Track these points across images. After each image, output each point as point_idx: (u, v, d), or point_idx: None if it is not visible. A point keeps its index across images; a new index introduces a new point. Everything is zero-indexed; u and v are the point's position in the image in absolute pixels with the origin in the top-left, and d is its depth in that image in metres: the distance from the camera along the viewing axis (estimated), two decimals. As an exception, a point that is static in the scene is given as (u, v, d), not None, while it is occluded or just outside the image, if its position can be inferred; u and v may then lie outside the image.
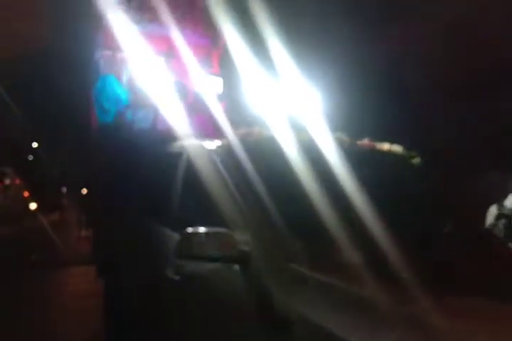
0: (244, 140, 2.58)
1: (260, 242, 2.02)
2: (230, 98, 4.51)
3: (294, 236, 2.07)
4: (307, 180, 2.38)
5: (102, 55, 4.93)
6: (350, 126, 3.08)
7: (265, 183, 2.29)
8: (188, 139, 3.36)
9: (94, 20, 4.64)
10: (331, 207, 2.22)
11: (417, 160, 2.86)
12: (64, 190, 17.24)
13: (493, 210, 4.55)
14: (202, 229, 2.01)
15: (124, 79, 4.82)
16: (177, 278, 2.53)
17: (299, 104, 3.71)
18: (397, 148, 2.85)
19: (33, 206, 13.46)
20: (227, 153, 2.64)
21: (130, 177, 3.54)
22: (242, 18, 4.26)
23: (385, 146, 2.82)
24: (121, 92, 4.62)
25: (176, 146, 3.28)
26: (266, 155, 2.43)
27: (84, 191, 9.80)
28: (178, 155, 3.07)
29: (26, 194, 15.30)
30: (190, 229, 1.99)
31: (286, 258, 1.97)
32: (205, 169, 2.63)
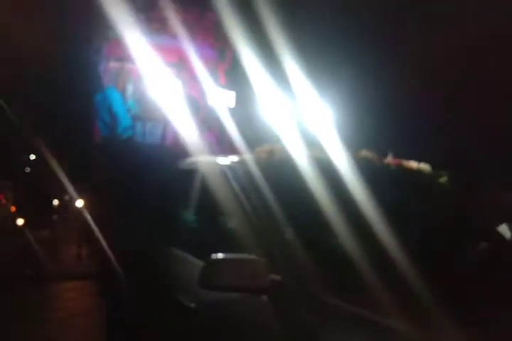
0: (265, 157, 2.42)
1: (292, 271, 1.84)
2: (242, 112, 4.37)
3: (323, 263, 1.91)
4: (331, 200, 2.24)
5: (105, 66, 4.81)
6: (368, 141, 2.95)
7: (290, 205, 2.13)
8: (201, 155, 3.20)
9: (99, 31, 4.53)
10: (358, 231, 2.09)
11: (444, 179, 2.71)
12: (56, 203, 16.77)
13: (504, 230, 4.40)
14: (228, 256, 1.83)
15: (130, 91, 4.69)
16: (193, 305, 2.35)
17: (314, 119, 3.59)
18: (424, 167, 2.70)
19: (19, 222, 13.09)
20: (246, 170, 2.47)
21: (138, 195, 3.35)
22: (252, 32, 4.16)
23: (413, 164, 2.67)
24: (123, 105, 4.49)
25: (188, 163, 3.11)
26: (289, 175, 2.27)
27: (80, 204, 9.54)
28: (192, 172, 2.89)
29: (13, 209, 14.95)
30: (214, 256, 1.82)
31: (319, 288, 1.80)
32: (223, 188, 2.46)
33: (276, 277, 1.82)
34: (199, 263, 2.38)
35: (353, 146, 2.69)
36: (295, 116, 3.65)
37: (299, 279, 1.83)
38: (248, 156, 2.66)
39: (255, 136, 3.48)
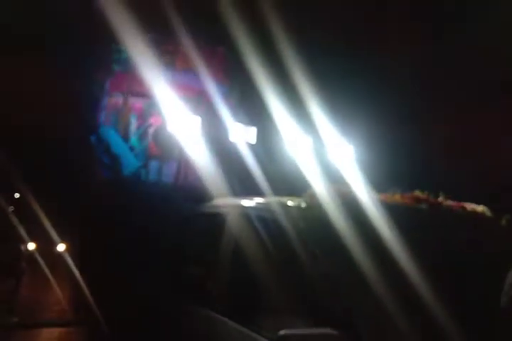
0: (320, 203, 2.07)
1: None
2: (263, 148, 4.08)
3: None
4: (399, 248, 1.91)
5: (107, 103, 4.50)
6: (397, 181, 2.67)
7: (358, 255, 1.78)
8: (225, 197, 2.85)
9: (104, 65, 4.26)
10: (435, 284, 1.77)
11: (506, 222, 2.42)
12: (31, 246, 15.61)
13: None
14: (299, 331, 1.45)
15: (133, 127, 4.38)
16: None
17: (342, 158, 3.33)
18: (485, 209, 2.41)
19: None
20: (287, 215, 2.12)
21: (153, 244, 2.95)
22: (271, 68, 3.98)
23: (476, 207, 2.37)
24: (124, 144, 4.18)
25: (212, 206, 2.74)
26: (355, 222, 1.92)
27: (61, 248, 8.98)
28: (219, 217, 2.51)
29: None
30: (283, 332, 1.43)
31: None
32: (263, 236, 2.11)
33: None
34: (239, 328, 1.99)
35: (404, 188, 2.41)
36: (320, 155, 3.38)
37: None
38: (282, 199, 2.32)
39: (278, 175, 3.18)
